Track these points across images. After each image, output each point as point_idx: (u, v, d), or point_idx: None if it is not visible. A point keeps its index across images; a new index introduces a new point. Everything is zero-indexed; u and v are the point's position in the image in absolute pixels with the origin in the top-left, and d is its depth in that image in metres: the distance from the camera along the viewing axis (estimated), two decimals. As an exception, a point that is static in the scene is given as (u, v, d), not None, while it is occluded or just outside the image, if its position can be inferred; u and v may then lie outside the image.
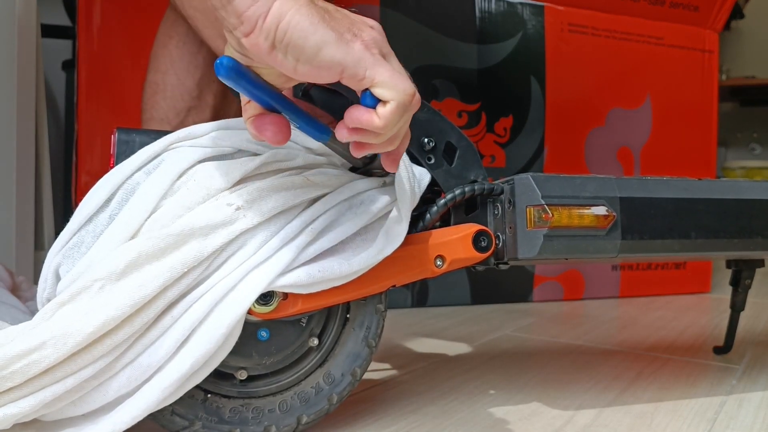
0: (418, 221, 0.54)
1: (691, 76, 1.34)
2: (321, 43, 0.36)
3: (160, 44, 0.74)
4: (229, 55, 0.38)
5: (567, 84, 1.24)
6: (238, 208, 0.44)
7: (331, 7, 0.39)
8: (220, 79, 0.38)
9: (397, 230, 0.49)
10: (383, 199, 0.50)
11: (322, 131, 0.43)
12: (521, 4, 1.21)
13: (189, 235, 0.42)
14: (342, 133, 0.39)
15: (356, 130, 0.39)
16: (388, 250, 0.49)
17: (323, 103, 0.49)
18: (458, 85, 1.17)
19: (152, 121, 0.74)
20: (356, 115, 0.38)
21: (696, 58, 1.34)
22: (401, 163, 0.50)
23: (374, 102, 0.38)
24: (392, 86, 0.37)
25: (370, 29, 0.40)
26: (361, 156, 0.42)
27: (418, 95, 0.39)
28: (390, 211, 0.50)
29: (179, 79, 0.73)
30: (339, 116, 0.61)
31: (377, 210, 0.50)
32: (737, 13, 2.74)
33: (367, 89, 0.38)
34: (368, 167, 0.51)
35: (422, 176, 0.54)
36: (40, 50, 1.09)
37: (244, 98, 0.41)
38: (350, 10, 0.40)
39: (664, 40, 1.31)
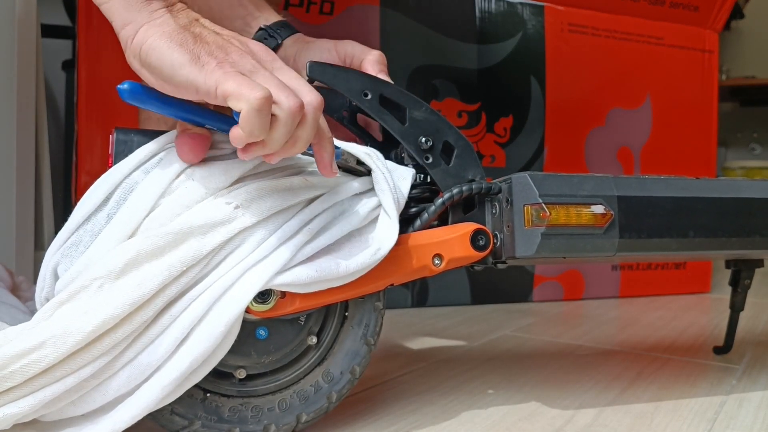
0: (415, 220, 0.54)
1: (691, 76, 1.34)
2: (176, 65, 0.39)
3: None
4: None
5: (567, 84, 1.24)
6: (236, 207, 0.44)
7: (207, 31, 0.42)
8: (127, 103, 0.40)
9: (389, 231, 0.49)
10: (375, 201, 0.51)
11: None
12: (521, 4, 1.21)
13: (187, 233, 0.42)
14: (240, 155, 0.41)
15: (245, 148, 0.41)
16: (384, 251, 0.49)
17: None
18: (458, 85, 1.17)
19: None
20: (231, 135, 0.40)
21: (696, 58, 1.34)
22: (373, 163, 0.50)
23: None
24: (238, 95, 0.38)
25: (240, 51, 0.42)
26: (274, 162, 0.43)
27: (285, 100, 0.40)
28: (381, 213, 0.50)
29: None
30: (338, 115, 0.61)
31: (370, 210, 0.50)
32: (737, 13, 2.74)
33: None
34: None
35: (405, 175, 0.53)
36: (40, 50, 1.09)
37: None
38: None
39: (664, 40, 1.31)
